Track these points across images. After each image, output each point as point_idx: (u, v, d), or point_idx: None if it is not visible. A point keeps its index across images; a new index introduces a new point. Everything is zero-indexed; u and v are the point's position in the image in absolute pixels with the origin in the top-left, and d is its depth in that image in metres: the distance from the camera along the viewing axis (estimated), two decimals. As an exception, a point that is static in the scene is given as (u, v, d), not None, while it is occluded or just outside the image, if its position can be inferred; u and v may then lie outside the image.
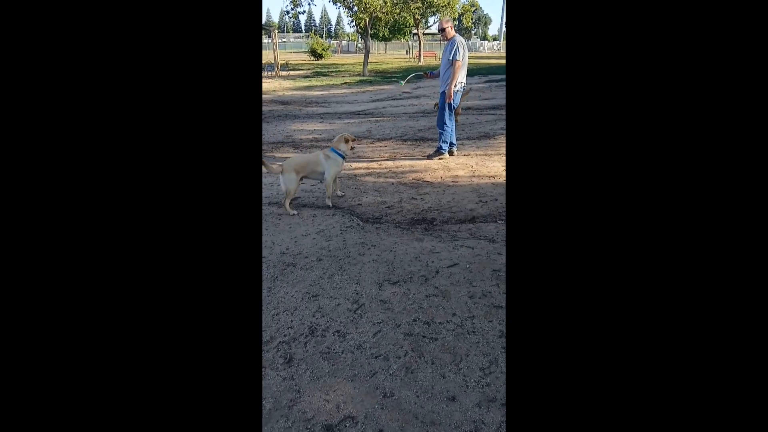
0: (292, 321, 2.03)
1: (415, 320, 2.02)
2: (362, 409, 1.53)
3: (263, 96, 10.59)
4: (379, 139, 5.95)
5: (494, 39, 66.28)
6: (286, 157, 5.04)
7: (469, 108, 8.06)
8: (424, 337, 1.90)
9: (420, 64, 21.96)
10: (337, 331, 1.95)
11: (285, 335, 1.93)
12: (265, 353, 1.82)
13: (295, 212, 3.34)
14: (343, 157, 3.46)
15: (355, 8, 17.18)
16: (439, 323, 1.99)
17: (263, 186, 4.05)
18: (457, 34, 4.54)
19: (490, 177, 4.20)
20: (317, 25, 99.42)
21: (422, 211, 3.38)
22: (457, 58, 4.38)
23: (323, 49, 26.10)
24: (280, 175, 3.26)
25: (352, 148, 3.52)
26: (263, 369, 1.73)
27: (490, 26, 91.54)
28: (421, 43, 24.94)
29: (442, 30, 4.54)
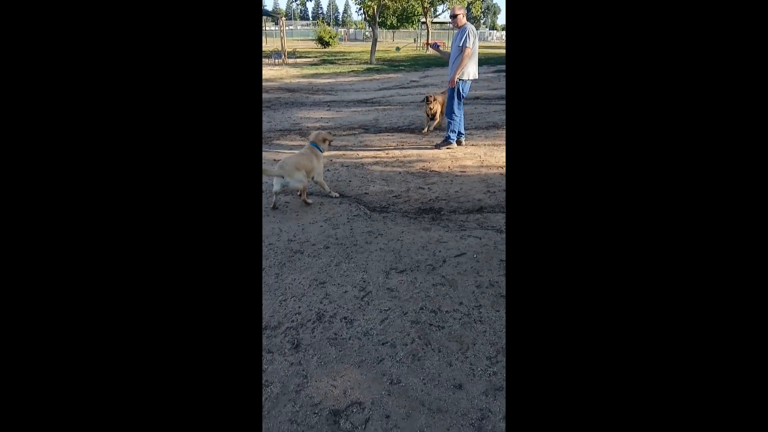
0: (299, 307, 2.04)
1: (421, 308, 2.02)
2: (369, 395, 1.54)
3: (270, 83, 10.55)
4: (386, 128, 5.91)
5: (503, 29, 65.48)
6: (293, 145, 5.03)
7: (477, 98, 7.99)
8: (431, 325, 1.90)
9: (428, 53, 21.74)
10: (345, 318, 1.96)
11: (293, 321, 1.94)
12: (273, 338, 1.83)
13: (311, 201, 3.32)
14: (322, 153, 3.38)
15: (364, -5, 16.97)
16: (446, 312, 1.99)
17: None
18: (468, 22, 4.48)
19: (498, 167, 4.17)
20: (325, 12, 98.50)
21: (429, 200, 3.37)
22: (467, 45, 4.33)
23: (330, 37, 25.88)
24: (285, 177, 3.04)
25: (329, 144, 3.45)
26: (271, 354, 1.74)
27: (499, 16, 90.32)
28: (429, 31, 24.66)
29: (454, 16, 4.48)
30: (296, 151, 3.38)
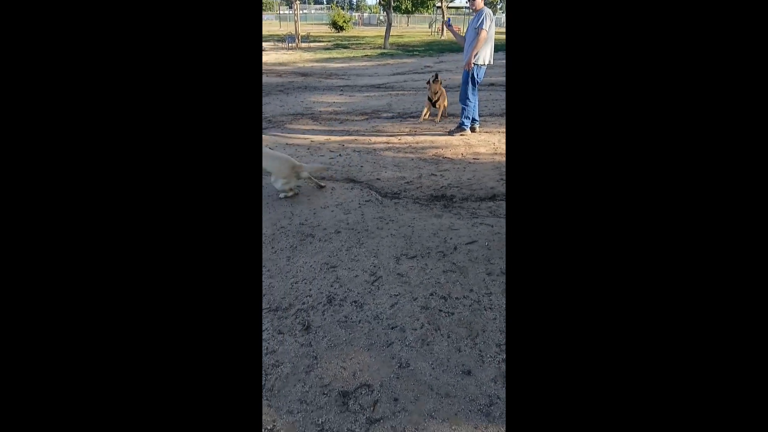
0: (310, 290, 2.06)
1: (432, 294, 2.02)
2: (378, 378, 1.55)
3: (284, 67, 10.50)
4: (399, 114, 5.86)
5: (521, 14, 63.84)
6: (306, 129, 5.03)
7: (492, 84, 7.86)
8: (440, 311, 1.90)
9: (443, 38, 21.39)
10: (355, 302, 1.97)
11: (303, 303, 1.96)
12: (284, 320, 1.85)
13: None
14: None
15: (379, -22, 16.68)
16: (456, 298, 1.99)
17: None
18: (486, 6, 4.38)
19: (512, 155, 4.12)
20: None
21: (442, 187, 3.34)
22: (484, 27, 4.24)
23: (344, 21, 25.59)
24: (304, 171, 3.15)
25: None
26: (282, 335, 1.76)
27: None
28: (445, 16, 24.21)
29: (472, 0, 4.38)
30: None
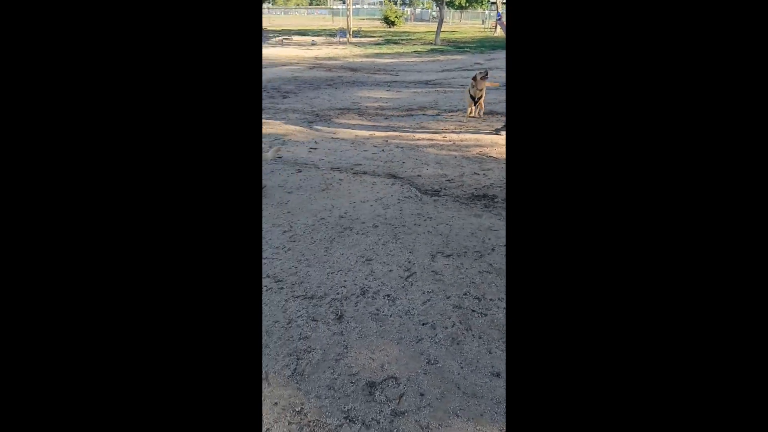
0: (345, 281, 2.10)
1: (465, 294, 2.01)
2: (405, 372, 1.57)
3: (333, 62, 10.68)
4: (445, 110, 5.81)
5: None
6: (352, 123, 5.10)
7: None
8: (473, 311, 1.89)
9: (495, 34, 20.89)
10: (387, 296, 1.99)
11: (338, 293, 2.01)
12: (319, 308, 1.91)
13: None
14: None
15: (433, -27, 16.54)
16: (490, 300, 1.97)
17: (325, 152, 4.14)
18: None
19: (559, 157, 3.98)
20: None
21: (484, 187, 3.29)
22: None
23: (396, 17, 25.63)
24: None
25: None
26: (315, 322, 1.82)
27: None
28: (499, 11, 23.64)
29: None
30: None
